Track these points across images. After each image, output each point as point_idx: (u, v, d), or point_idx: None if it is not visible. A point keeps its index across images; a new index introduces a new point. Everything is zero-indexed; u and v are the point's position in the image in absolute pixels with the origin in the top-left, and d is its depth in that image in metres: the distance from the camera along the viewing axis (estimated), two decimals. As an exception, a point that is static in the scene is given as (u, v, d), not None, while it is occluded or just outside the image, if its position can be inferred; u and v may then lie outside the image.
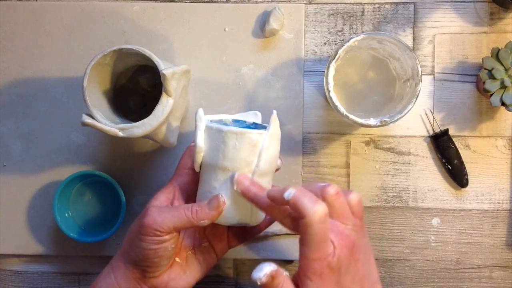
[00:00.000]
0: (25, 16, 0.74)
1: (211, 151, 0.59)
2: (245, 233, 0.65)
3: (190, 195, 0.62)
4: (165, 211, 0.58)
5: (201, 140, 0.60)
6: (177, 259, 0.61)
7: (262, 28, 0.73)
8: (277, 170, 0.63)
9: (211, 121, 0.61)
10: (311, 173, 0.74)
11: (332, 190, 0.54)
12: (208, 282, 0.75)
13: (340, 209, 0.55)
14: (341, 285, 0.54)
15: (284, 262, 0.75)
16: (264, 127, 0.61)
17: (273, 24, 0.72)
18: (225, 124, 0.62)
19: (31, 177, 0.75)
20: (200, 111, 0.60)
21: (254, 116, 0.64)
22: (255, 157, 0.58)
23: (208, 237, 0.64)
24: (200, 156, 0.60)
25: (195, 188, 0.62)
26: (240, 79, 0.74)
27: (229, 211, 0.59)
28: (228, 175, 0.59)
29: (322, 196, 0.54)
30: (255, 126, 0.63)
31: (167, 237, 0.57)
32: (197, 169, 0.61)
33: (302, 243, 0.53)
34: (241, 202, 0.59)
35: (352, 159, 0.74)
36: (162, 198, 0.61)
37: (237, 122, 0.63)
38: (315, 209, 0.51)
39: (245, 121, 0.63)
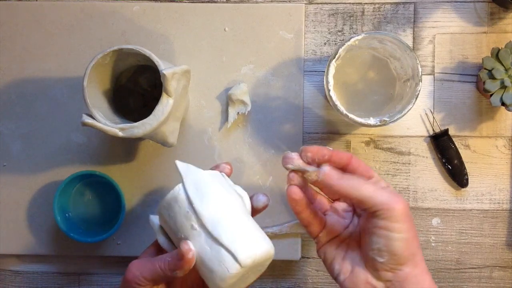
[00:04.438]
0: (25, 16, 0.74)
1: (170, 237, 0.58)
2: None
3: None
4: (143, 263, 0.57)
5: (162, 240, 0.59)
6: None
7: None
8: (264, 208, 0.60)
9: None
10: (311, 173, 0.74)
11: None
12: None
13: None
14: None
15: (284, 262, 0.75)
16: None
17: (236, 94, 0.72)
18: None
19: (31, 177, 0.75)
20: (152, 218, 0.60)
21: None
22: (187, 208, 0.55)
23: None
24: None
25: None
26: (240, 79, 0.74)
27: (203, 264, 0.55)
28: (183, 240, 0.56)
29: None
30: None
31: None
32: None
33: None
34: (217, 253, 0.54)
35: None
36: (147, 251, 0.60)
37: None
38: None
39: None
